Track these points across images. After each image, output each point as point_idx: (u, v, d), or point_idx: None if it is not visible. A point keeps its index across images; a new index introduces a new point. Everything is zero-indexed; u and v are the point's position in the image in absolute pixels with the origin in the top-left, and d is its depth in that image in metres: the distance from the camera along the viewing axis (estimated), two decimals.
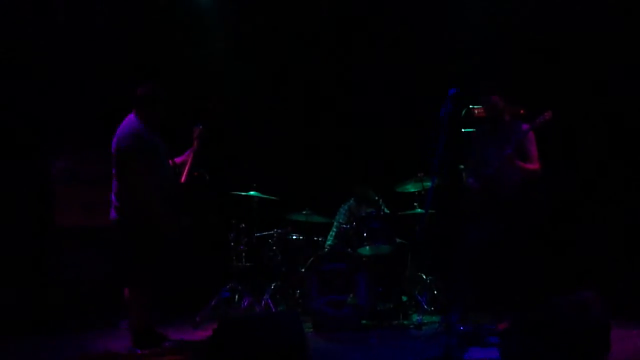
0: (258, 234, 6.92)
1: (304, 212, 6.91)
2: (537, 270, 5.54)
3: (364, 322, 6.29)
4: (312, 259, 6.29)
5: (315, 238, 6.92)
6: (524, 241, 5.41)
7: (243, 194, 6.84)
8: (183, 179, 5.22)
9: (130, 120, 4.97)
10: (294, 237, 6.88)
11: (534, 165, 5.35)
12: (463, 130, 6.48)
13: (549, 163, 5.49)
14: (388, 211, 7.07)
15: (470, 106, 6.60)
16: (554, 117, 5.19)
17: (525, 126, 5.35)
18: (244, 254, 6.80)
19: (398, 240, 6.75)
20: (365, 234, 6.44)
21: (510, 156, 5.27)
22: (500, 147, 5.40)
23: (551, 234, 6.66)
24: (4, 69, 6.80)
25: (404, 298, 6.75)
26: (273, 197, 6.96)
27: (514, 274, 5.35)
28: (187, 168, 5.26)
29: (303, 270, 6.34)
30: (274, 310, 6.42)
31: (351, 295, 6.10)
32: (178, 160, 5.35)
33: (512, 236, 5.37)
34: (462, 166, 6.25)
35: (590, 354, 4.35)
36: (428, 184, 6.08)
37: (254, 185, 6.88)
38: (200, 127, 5.42)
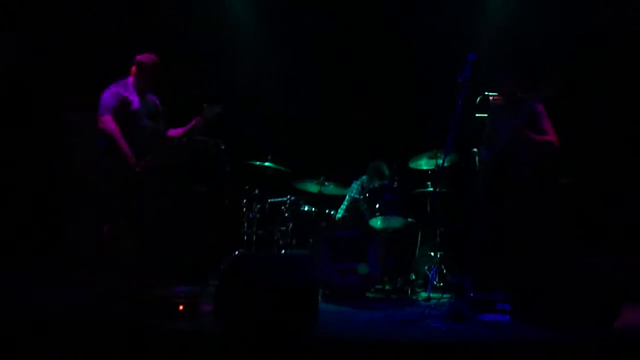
0: (271, 200, 6.92)
1: (318, 181, 6.92)
2: (550, 247, 5.52)
3: (371, 295, 6.30)
4: (324, 224, 6.28)
5: (327, 210, 6.92)
6: (533, 218, 5.39)
7: (258, 163, 6.87)
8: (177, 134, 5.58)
9: (123, 79, 5.42)
10: (306, 209, 6.89)
11: (549, 137, 5.31)
12: (478, 115, 6.54)
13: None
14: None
15: (486, 93, 6.68)
16: (559, 89, 5.18)
17: (533, 100, 5.35)
18: (255, 221, 6.81)
19: (409, 219, 6.75)
20: (377, 206, 6.45)
21: (518, 127, 5.25)
22: (511, 122, 5.41)
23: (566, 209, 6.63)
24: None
25: (413, 276, 6.74)
26: (287, 169, 6.99)
27: (523, 249, 5.34)
28: (179, 131, 5.58)
29: (313, 238, 6.33)
30: None
31: (361, 264, 6.08)
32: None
33: (521, 213, 5.36)
34: (475, 149, 6.27)
35: (598, 318, 4.35)
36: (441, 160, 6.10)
37: (269, 156, 6.92)
38: (217, 109, 5.58)
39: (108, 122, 5.15)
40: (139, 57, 5.43)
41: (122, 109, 5.22)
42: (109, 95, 5.24)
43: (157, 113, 5.53)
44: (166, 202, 6.45)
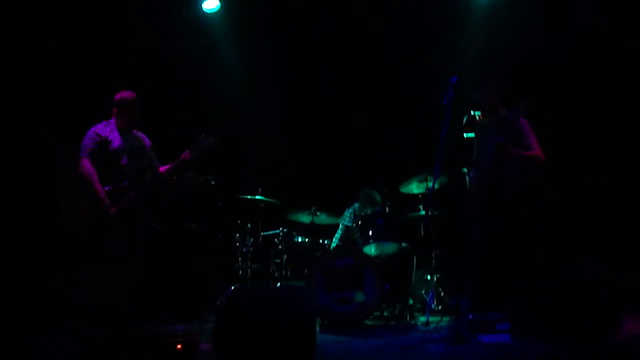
0: (264, 233, 6.91)
1: (310, 212, 6.91)
2: (545, 261, 5.51)
3: (369, 322, 6.26)
4: (318, 254, 6.26)
5: (320, 240, 6.91)
6: (525, 235, 5.38)
7: (249, 197, 6.87)
8: (164, 172, 5.49)
9: (107, 120, 5.42)
10: (300, 240, 6.87)
11: (533, 152, 5.26)
12: (465, 135, 6.57)
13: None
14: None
15: (472, 112, 6.72)
16: (534, 101, 5.20)
17: (511, 114, 5.35)
18: (249, 255, 6.79)
19: (403, 244, 6.75)
20: (370, 233, 6.46)
21: (500, 145, 5.25)
22: (494, 139, 5.41)
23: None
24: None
25: (411, 301, 6.72)
26: (278, 202, 7.00)
27: (518, 266, 5.32)
28: (170, 166, 5.47)
29: (308, 269, 6.31)
30: None
31: (358, 292, 6.05)
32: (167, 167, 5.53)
33: (513, 230, 5.35)
34: (465, 169, 6.30)
35: (600, 330, 4.33)
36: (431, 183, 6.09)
37: (259, 189, 6.93)
38: (211, 140, 5.46)
39: (84, 164, 5.14)
40: (117, 96, 5.40)
41: (99, 149, 5.20)
42: (87, 137, 5.24)
43: (142, 150, 5.45)
44: (156, 241, 6.43)
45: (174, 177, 5.91)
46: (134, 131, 5.47)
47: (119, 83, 5.57)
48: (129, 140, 5.37)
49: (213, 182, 6.96)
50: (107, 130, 5.31)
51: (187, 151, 5.38)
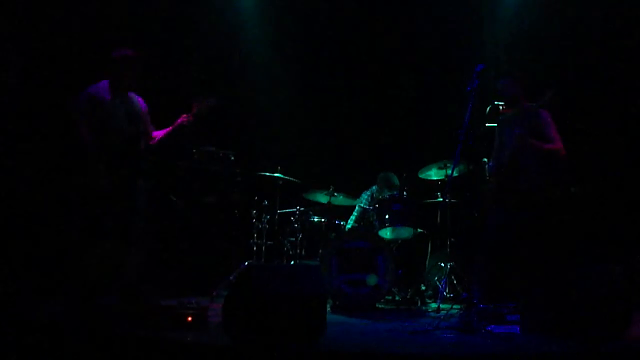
0: (281, 211, 6.93)
1: (327, 192, 6.91)
2: (559, 257, 5.49)
3: (380, 305, 6.28)
4: (333, 234, 6.28)
5: (336, 221, 6.92)
6: (540, 228, 5.36)
7: (267, 174, 6.89)
8: (155, 140, 5.21)
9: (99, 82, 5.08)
10: (316, 220, 6.89)
11: (554, 146, 5.25)
12: (487, 125, 6.52)
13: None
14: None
15: (495, 102, 6.66)
16: (559, 94, 5.15)
17: (535, 107, 5.31)
18: (264, 232, 6.83)
19: (419, 229, 6.74)
20: (387, 216, 6.45)
21: (521, 136, 5.22)
22: (515, 131, 5.38)
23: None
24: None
25: (423, 287, 6.72)
26: (297, 180, 7.01)
27: (531, 259, 5.30)
28: (165, 132, 5.21)
29: (323, 249, 6.34)
30: None
31: (371, 275, 6.06)
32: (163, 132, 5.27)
33: (529, 223, 5.32)
34: (485, 159, 6.26)
35: (609, 327, 4.30)
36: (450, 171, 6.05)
37: (279, 167, 6.94)
38: (210, 102, 5.18)
39: (79, 127, 4.86)
40: (113, 54, 5.04)
41: (93, 111, 4.89)
42: (80, 99, 4.93)
43: (137, 114, 5.10)
44: (173, 212, 6.44)
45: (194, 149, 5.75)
46: (129, 93, 5.13)
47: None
48: (123, 102, 5.05)
49: (233, 157, 6.98)
50: (101, 91, 4.98)
51: (185, 115, 5.12)
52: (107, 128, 4.93)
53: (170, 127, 5.16)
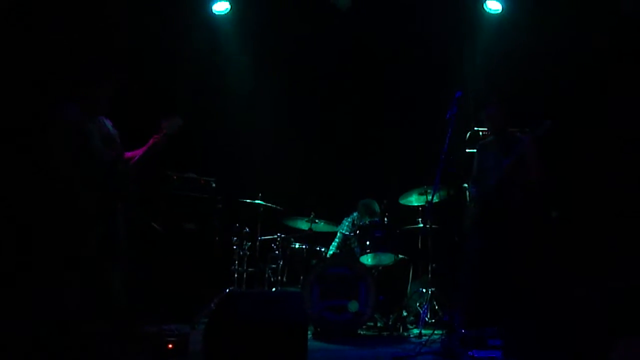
0: (262, 238, 6.92)
1: (308, 219, 6.89)
2: (540, 281, 5.51)
3: (362, 332, 6.27)
4: (315, 261, 6.27)
5: (317, 248, 6.91)
6: (521, 253, 5.40)
7: (248, 201, 6.89)
8: (132, 162, 5.06)
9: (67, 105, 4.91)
10: (297, 246, 6.88)
11: (535, 174, 5.35)
12: (467, 151, 6.60)
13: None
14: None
15: (475, 128, 6.76)
16: (553, 126, 5.24)
17: (526, 138, 5.39)
18: (246, 259, 6.81)
19: (400, 255, 6.75)
20: (368, 243, 6.47)
21: (509, 167, 5.30)
22: (501, 159, 5.44)
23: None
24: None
25: (405, 313, 6.72)
26: (278, 207, 7.01)
27: (512, 284, 5.33)
28: (139, 153, 5.07)
29: (304, 276, 6.33)
30: None
31: (352, 301, 6.05)
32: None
33: (510, 248, 5.37)
34: (465, 185, 6.32)
35: (590, 351, 4.32)
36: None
37: (260, 194, 6.95)
38: (177, 121, 5.08)
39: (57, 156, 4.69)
40: (84, 76, 4.91)
41: (70, 133, 4.69)
42: (57, 125, 4.70)
43: (111, 138, 4.98)
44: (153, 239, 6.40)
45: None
46: (100, 117, 4.97)
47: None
48: (97, 126, 4.91)
49: (214, 184, 7.00)
50: (75, 115, 4.78)
51: (156, 135, 5.01)
52: (86, 152, 4.79)
53: (144, 148, 5.04)
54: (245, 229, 6.90)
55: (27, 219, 6.20)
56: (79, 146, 4.74)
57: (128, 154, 5.08)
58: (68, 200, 4.73)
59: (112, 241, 4.85)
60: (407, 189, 6.97)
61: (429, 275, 6.76)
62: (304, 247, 6.86)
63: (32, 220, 6.12)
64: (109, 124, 5.03)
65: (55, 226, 4.92)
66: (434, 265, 6.77)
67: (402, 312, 6.64)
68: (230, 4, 7.65)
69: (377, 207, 7.10)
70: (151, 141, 5.01)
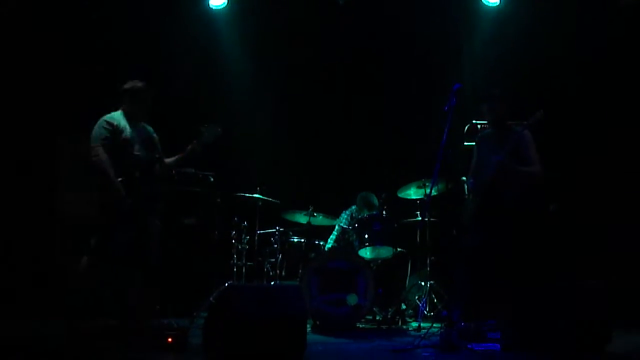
0: (260, 232, 6.92)
1: (307, 212, 6.88)
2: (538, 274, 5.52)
3: (361, 325, 6.27)
4: (313, 254, 6.27)
5: (316, 241, 6.91)
6: (525, 246, 5.39)
7: (247, 195, 6.88)
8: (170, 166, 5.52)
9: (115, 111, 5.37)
10: (295, 240, 6.88)
11: (533, 168, 5.32)
12: (465, 143, 6.60)
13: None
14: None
15: (474, 121, 6.75)
16: (546, 116, 5.22)
17: (520, 129, 5.36)
18: (244, 253, 6.81)
19: (399, 249, 6.76)
20: (366, 236, 6.47)
21: (501, 163, 5.26)
22: (497, 153, 5.42)
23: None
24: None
25: (403, 306, 6.73)
26: (276, 201, 7.00)
27: (509, 277, 5.32)
28: (177, 158, 5.49)
29: (303, 269, 6.33)
30: None
31: (351, 295, 6.05)
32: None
33: (507, 242, 5.36)
34: (464, 178, 6.31)
35: (589, 343, 4.34)
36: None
37: (258, 188, 6.93)
38: (216, 131, 5.48)
39: (98, 152, 5.04)
40: (126, 85, 5.37)
41: (113, 138, 5.13)
42: (98, 126, 5.15)
43: (151, 141, 5.43)
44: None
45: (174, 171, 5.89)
46: (142, 123, 5.43)
47: (123, 78, 5.52)
48: (138, 130, 5.34)
49: (212, 179, 6.98)
50: (118, 120, 5.24)
51: (195, 142, 5.41)
52: (127, 155, 5.18)
53: (182, 153, 5.45)
54: (243, 223, 6.90)
55: None
56: (117, 145, 5.13)
57: (168, 160, 5.49)
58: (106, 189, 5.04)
59: (144, 240, 5.21)
60: (405, 182, 6.96)
61: (428, 269, 6.77)
62: (302, 240, 6.85)
63: None
64: (149, 129, 5.48)
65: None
66: (432, 258, 6.77)
67: (400, 305, 6.65)
68: None
69: (375, 201, 7.09)
70: (190, 148, 5.41)
